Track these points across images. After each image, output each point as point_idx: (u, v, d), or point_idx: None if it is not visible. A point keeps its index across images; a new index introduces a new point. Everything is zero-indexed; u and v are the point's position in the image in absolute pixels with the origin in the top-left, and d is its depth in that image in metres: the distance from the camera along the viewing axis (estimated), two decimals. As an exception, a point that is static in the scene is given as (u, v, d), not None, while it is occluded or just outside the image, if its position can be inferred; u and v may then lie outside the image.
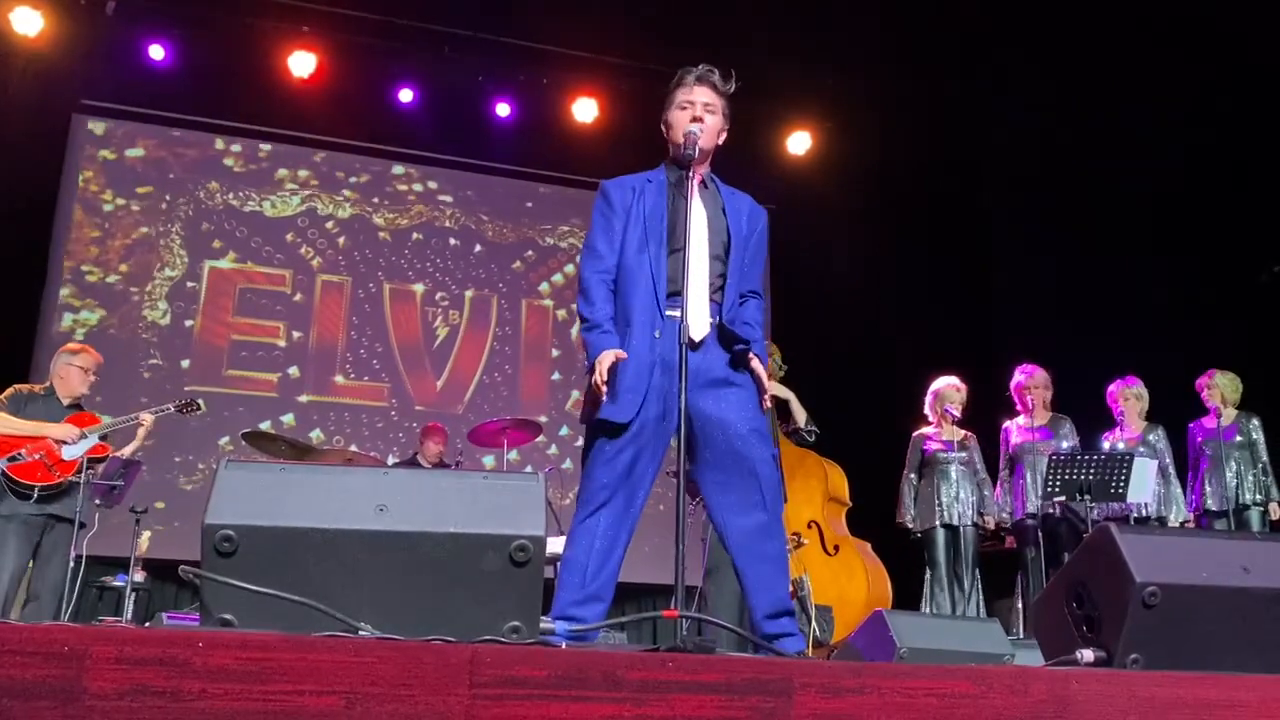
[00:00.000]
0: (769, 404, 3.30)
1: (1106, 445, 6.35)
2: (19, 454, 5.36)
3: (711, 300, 3.16)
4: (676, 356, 2.87)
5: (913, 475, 6.36)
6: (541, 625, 1.93)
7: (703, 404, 3.08)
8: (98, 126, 8.66)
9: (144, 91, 8.52)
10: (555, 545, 5.52)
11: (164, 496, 8.02)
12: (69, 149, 8.54)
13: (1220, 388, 6.40)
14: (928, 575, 6.20)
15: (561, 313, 9.42)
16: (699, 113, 3.23)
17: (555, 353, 9.33)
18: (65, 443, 5.46)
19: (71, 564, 5.43)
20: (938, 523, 6.16)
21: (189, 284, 8.64)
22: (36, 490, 5.35)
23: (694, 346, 3.03)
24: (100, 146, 8.64)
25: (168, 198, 8.72)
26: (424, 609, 1.86)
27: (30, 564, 5.49)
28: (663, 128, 3.35)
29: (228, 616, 1.83)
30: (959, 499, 6.15)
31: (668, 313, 3.07)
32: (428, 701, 1.49)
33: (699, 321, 3.08)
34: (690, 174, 3.15)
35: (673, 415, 3.00)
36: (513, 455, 7.49)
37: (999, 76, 7.88)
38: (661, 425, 3.08)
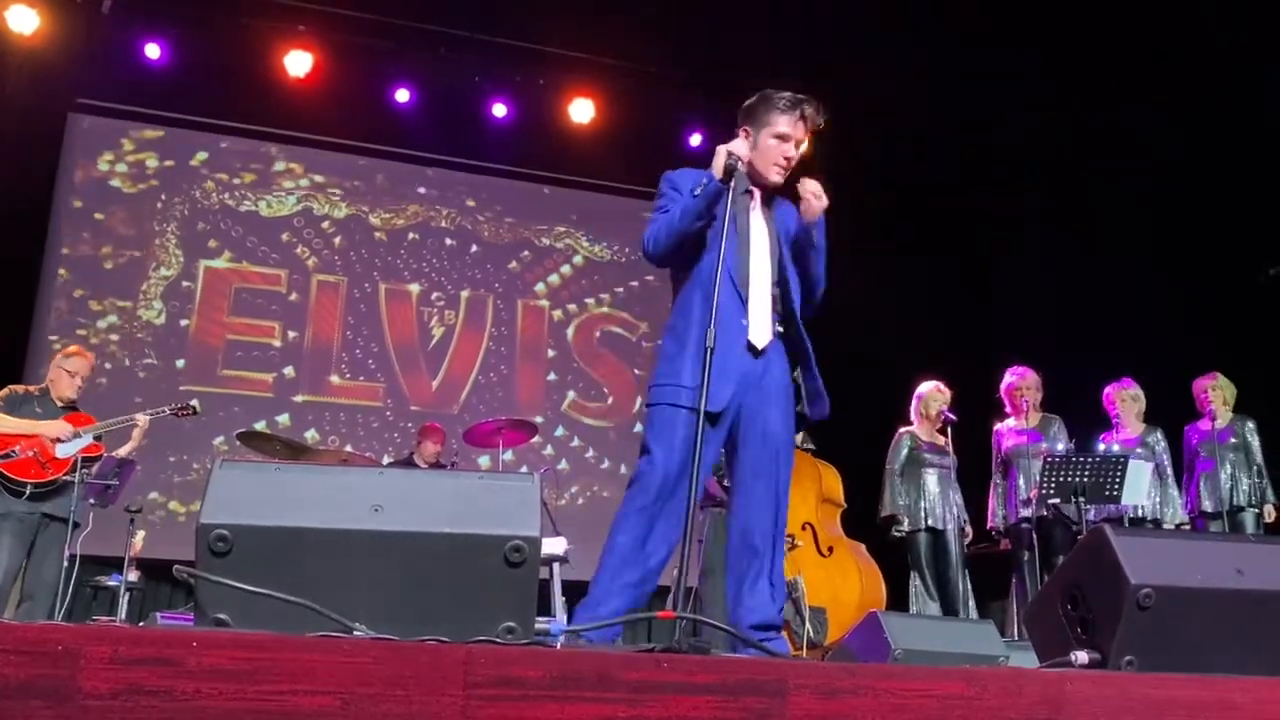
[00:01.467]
0: None
1: (1103, 447, 6.35)
2: (12, 451, 5.36)
3: (774, 311, 3.19)
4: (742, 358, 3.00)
5: (897, 470, 6.32)
6: (537, 625, 1.93)
7: (760, 407, 3.13)
8: (94, 125, 8.65)
9: (140, 90, 8.50)
10: (550, 546, 5.52)
11: (159, 496, 8.02)
12: (64, 148, 8.52)
13: (1223, 389, 6.43)
14: (913, 578, 6.20)
15: (557, 313, 9.42)
16: (792, 152, 3.25)
17: (551, 353, 9.33)
18: (59, 440, 5.46)
19: (65, 563, 5.43)
20: (920, 526, 6.16)
21: (184, 284, 8.63)
22: (29, 487, 5.35)
23: (756, 353, 3.10)
24: (96, 145, 8.62)
25: (163, 197, 8.71)
26: (419, 609, 1.86)
27: (24, 563, 5.49)
28: (743, 134, 3.28)
29: (222, 616, 1.83)
30: (942, 503, 6.15)
31: (739, 318, 3.11)
32: (422, 702, 1.49)
33: (761, 328, 3.13)
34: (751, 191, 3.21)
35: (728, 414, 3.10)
36: (508, 456, 7.47)
37: (997, 77, 7.88)
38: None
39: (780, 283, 3.21)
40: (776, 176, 3.22)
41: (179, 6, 8.21)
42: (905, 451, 6.30)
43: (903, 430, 6.41)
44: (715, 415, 3.03)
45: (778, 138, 3.24)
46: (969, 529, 6.26)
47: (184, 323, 8.56)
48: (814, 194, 3.22)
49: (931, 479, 6.18)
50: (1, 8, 7.72)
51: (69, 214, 8.45)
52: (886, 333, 8.41)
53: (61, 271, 8.33)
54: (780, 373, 3.19)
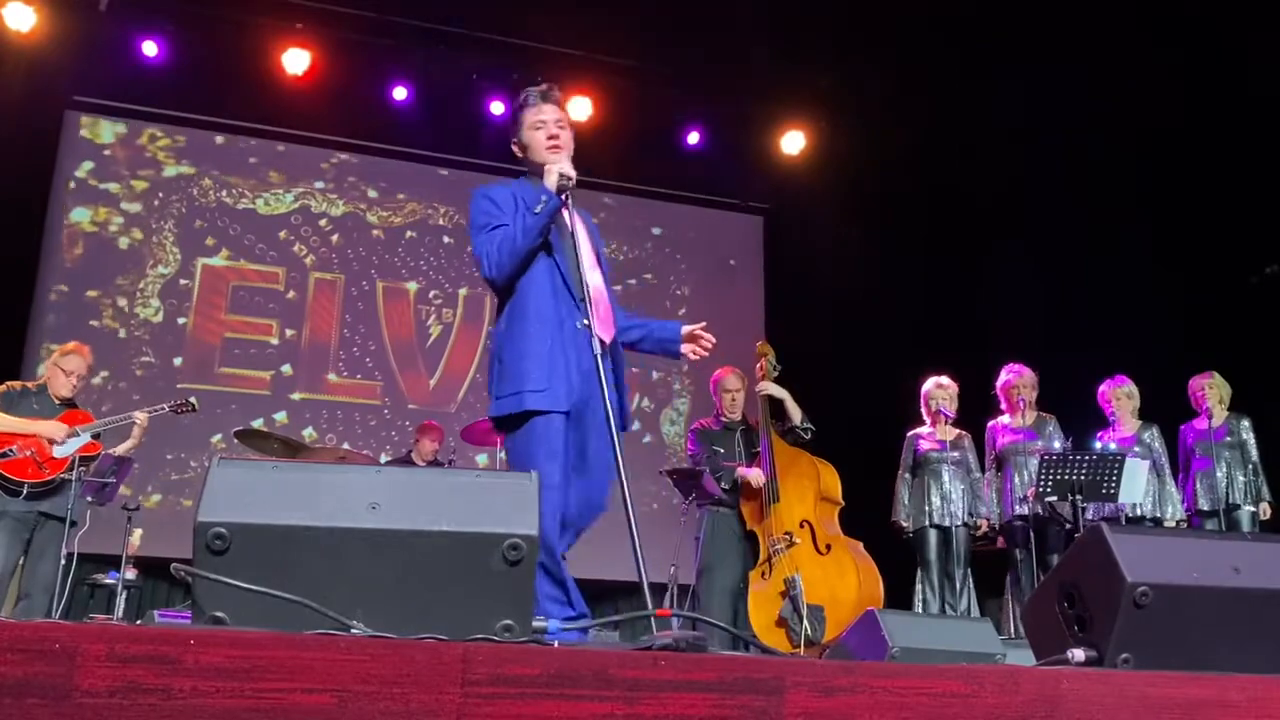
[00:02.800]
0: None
1: (1100, 445, 6.36)
2: (9, 450, 5.37)
3: (608, 312, 3.36)
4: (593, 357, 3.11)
5: (907, 475, 6.38)
6: (534, 624, 1.93)
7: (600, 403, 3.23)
8: (90, 123, 8.64)
9: (137, 88, 8.50)
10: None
11: (156, 493, 8.01)
12: (61, 146, 8.52)
13: (1219, 388, 6.44)
14: (919, 575, 6.22)
15: (555, 311, 9.41)
16: (554, 130, 3.37)
17: (549, 351, 9.31)
18: (55, 441, 5.45)
19: (63, 561, 5.42)
20: (928, 523, 6.17)
21: (182, 281, 8.62)
22: (26, 487, 5.35)
23: (596, 353, 3.18)
24: (92, 143, 8.62)
25: (160, 195, 8.70)
26: (416, 607, 1.86)
27: (21, 561, 5.48)
28: (516, 148, 3.45)
29: (220, 614, 1.83)
30: (950, 499, 6.16)
31: (581, 320, 3.24)
32: (420, 699, 1.49)
33: (601, 328, 3.26)
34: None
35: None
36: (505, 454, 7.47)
37: (994, 74, 7.89)
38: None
39: (601, 284, 3.39)
40: (554, 156, 3.31)
41: (176, 4, 8.20)
42: (910, 454, 6.35)
43: (910, 432, 6.44)
44: (569, 412, 3.18)
45: (534, 127, 3.39)
46: (982, 521, 6.25)
47: (181, 321, 8.55)
48: (702, 348, 3.56)
49: (943, 475, 6.19)
50: (-1, 5, 7.72)
51: (65, 212, 8.44)
52: (882, 331, 8.43)
53: (58, 269, 8.33)
54: (617, 368, 3.36)
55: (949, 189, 8.60)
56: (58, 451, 5.45)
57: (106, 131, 8.67)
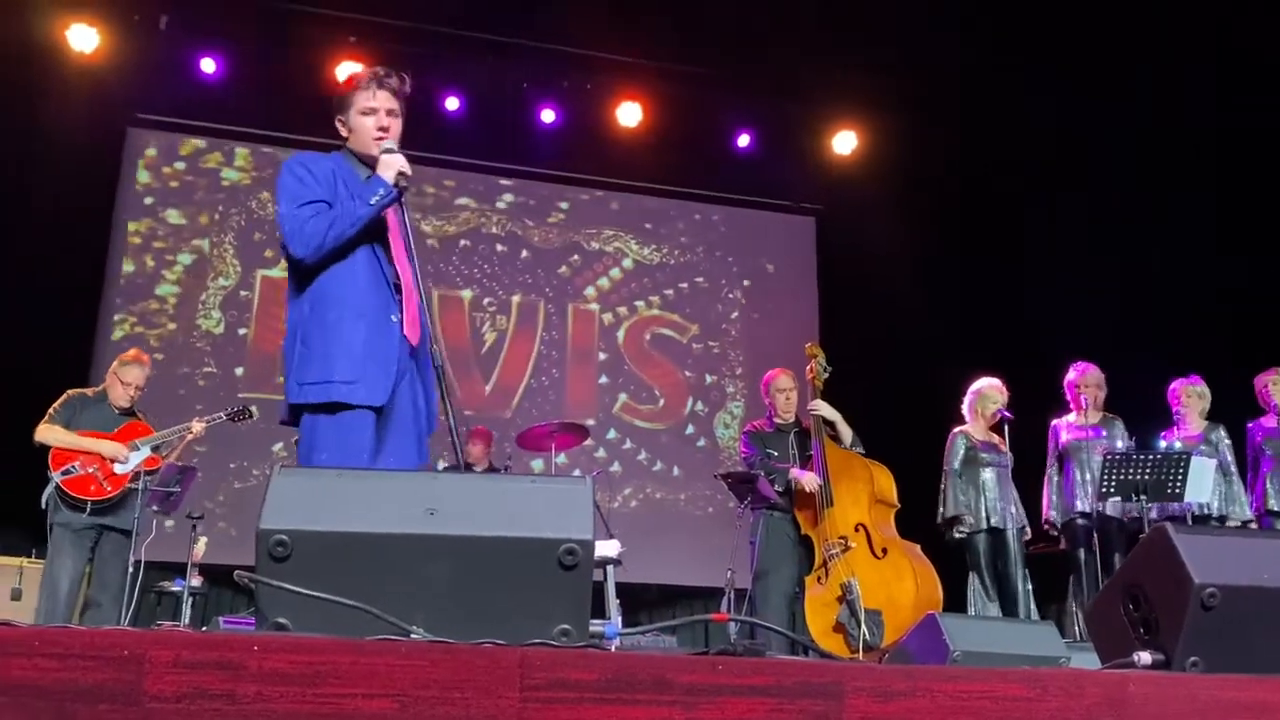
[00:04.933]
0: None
1: (1164, 444, 6.22)
2: (72, 467, 5.43)
3: (422, 309, 3.29)
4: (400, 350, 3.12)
5: (955, 470, 6.19)
6: (591, 628, 1.94)
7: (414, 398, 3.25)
8: (152, 139, 8.83)
9: (196, 104, 8.67)
10: (604, 549, 5.54)
11: (219, 502, 8.15)
12: (124, 161, 8.71)
13: None
14: (971, 579, 6.09)
15: (608, 316, 9.44)
16: (385, 121, 3.27)
17: (602, 356, 9.35)
18: (116, 460, 5.52)
19: (130, 569, 5.52)
20: (980, 526, 6.06)
21: (242, 293, 8.77)
22: (89, 505, 5.43)
23: (408, 349, 3.19)
24: (154, 159, 8.80)
25: (220, 208, 8.86)
26: (474, 612, 1.87)
27: (88, 570, 5.58)
28: (339, 124, 3.35)
29: (282, 620, 1.85)
30: (1000, 502, 6.03)
31: (394, 315, 3.20)
32: (479, 704, 1.50)
33: (412, 324, 3.22)
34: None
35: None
36: (561, 459, 7.51)
37: (1045, 71, 7.78)
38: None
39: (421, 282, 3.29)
40: (377, 150, 3.24)
41: (233, 21, 8.35)
42: (962, 451, 6.16)
43: (957, 430, 6.29)
44: (379, 408, 3.11)
45: (365, 112, 3.28)
46: (1029, 528, 6.15)
47: (242, 331, 8.70)
48: None
49: (989, 478, 6.06)
50: (63, 26, 7.92)
51: (128, 226, 8.63)
52: (935, 331, 8.34)
53: (123, 282, 8.51)
54: (423, 368, 3.29)
55: (1004, 186, 8.50)
56: (119, 468, 5.51)
57: (167, 147, 8.85)
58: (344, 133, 3.37)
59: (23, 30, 7.76)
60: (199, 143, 8.91)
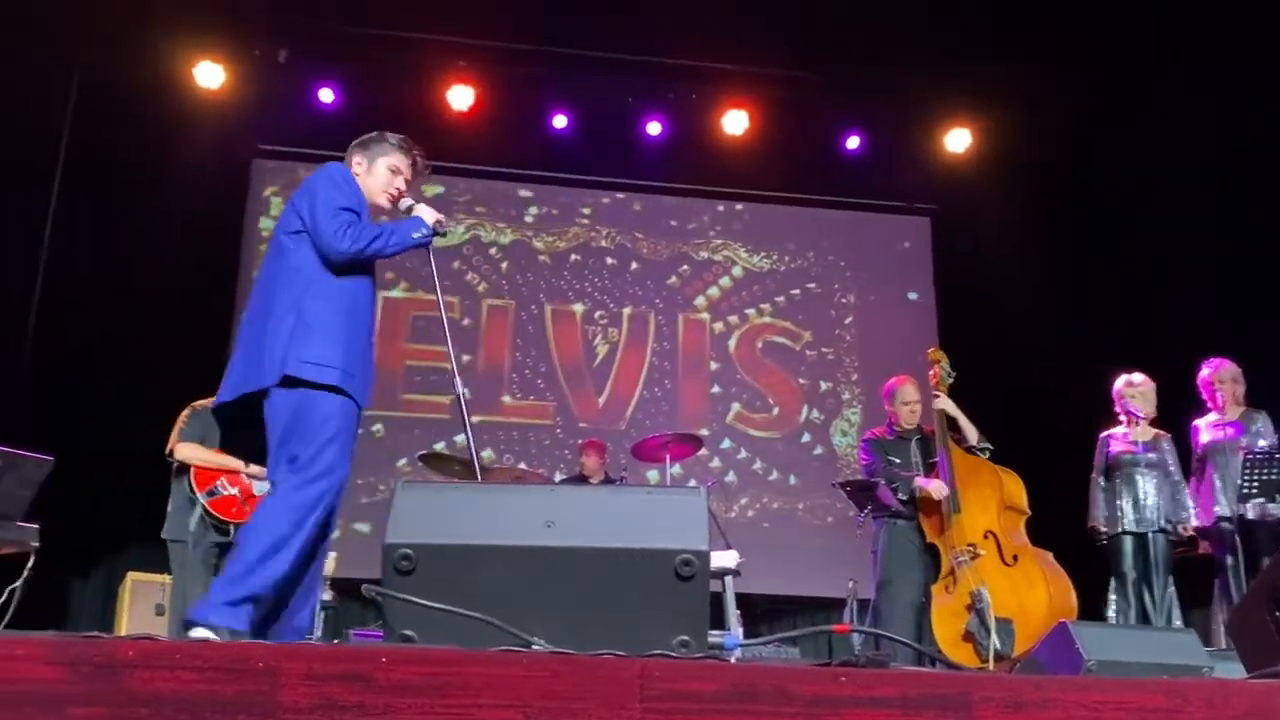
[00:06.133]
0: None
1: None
2: (216, 488, 5.36)
3: None
4: None
5: (1100, 478, 6.01)
6: (711, 639, 1.93)
7: None
8: (276, 169, 9.16)
9: (316, 133, 8.96)
10: (721, 559, 5.52)
11: (349, 517, 8.39)
12: (250, 192, 9.07)
13: None
14: (1112, 585, 5.86)
15: (719, 325, 9.42)
16: (403, 185, 3.65)
17: (714, 365, 9.33)
18: (256, 479, 5.36)
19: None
20: (1122, 529, 5.83)
21: (363, 314, 9.02)
22: (233, 528, 5.28)
23: None
24: (278, 189, 9.13)
25: (341, 233, 9.13)
26: (594, 623, 1.88)
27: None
28: (357, 164, 3.65)
29: (409, 633, 1.90)
30: (1147, 504, 5.79)
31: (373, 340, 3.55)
32: (600, 715, 1.51)
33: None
34: None
35: None
36: (675, 469, 7.51)
37: (1161, 65, 7.50)
38: None
39: None
40: (384, 201, 3.61)
41: (348, 51, 8.63)
42: (1103, 457, 5.98)
43: (1103, 434, 6.10)
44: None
45: (392, 170, 3.65)
46: (1187, 527, 5.85)
47: (364, 351, 8.95)
48: None
49: (1137, 479, 5.83)
50: (191, 64, 8.30)
51: (255, 254, 8.97)
52: (1059, 330, 8.09)
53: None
54: None
55: (1121, 182, 8.21)
56: (258, 488, 5.37)
57: (290, 176, 9.17)
58: (358, 169, 3.65)
59: (155, 70, 8.15)
60: (319, 171, 9.21)
